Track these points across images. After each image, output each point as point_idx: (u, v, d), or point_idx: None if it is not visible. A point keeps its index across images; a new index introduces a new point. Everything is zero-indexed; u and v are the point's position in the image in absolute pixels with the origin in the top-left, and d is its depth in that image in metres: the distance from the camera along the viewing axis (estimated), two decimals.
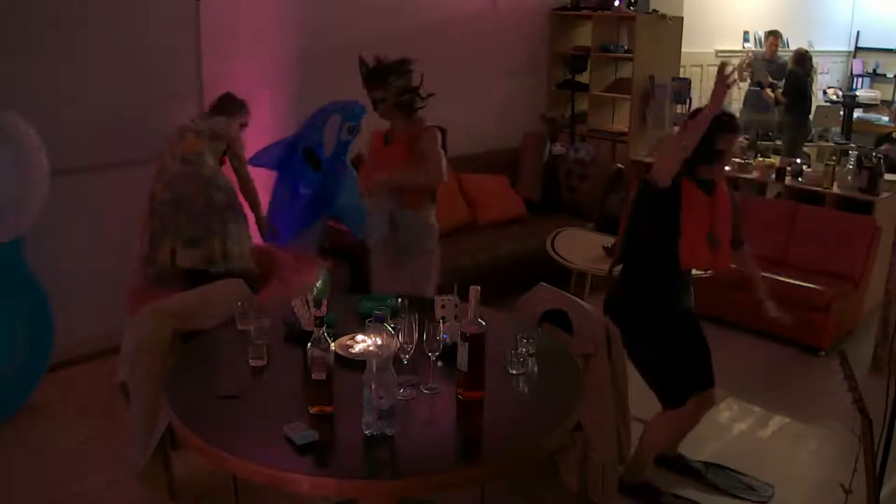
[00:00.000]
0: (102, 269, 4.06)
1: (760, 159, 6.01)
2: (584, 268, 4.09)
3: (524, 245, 5.10)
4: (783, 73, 7.78)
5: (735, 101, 8.60)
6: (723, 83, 2.70)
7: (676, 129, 3.11)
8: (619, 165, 5.90)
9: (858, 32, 11.06)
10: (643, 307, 3.01)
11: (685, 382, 3.04)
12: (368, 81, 3.44)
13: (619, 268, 3.13)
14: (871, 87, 10.93)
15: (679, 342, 3.02)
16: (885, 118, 9.46)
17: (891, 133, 7.92)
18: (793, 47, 8.44)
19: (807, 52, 7.78)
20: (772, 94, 7.70)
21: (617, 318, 2.83)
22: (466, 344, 2.16)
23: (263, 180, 4.61)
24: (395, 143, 3.45)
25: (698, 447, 3.46)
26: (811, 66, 7.72)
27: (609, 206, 5.64)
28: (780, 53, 8.15)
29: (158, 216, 3.59)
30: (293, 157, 4.50)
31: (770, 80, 7.80)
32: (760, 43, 8.25)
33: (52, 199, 3.52)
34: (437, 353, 2.32)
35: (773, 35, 8.12)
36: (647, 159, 6.00)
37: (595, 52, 6.39)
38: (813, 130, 7.84)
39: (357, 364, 2.27)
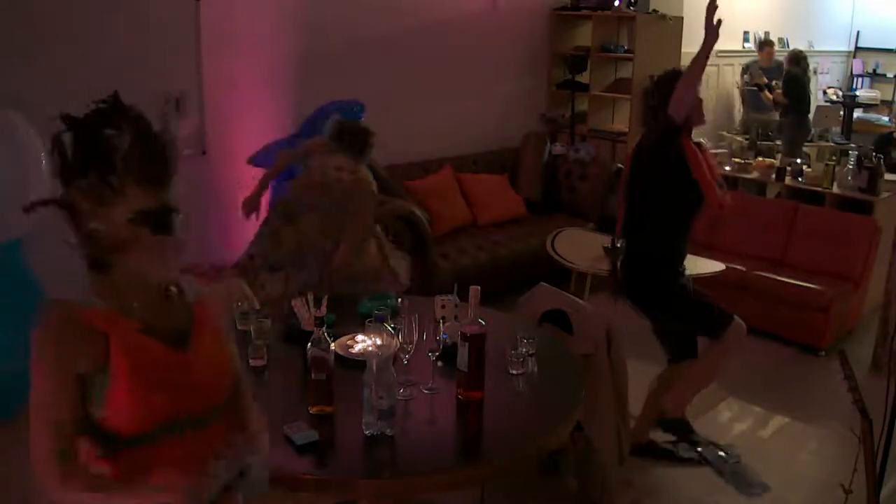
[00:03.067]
0: None
1: (760, 159, 6.01)
2: (584, 268, 4.09)
3: (524, 245, 5.10)
4: (780, 74, 7.79)
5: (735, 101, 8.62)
6: (713, 24, 2.84)
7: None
8: (619, 165, 5.90)
9: (858, 32, 11.06)
10: (665, 269, 3.16)
11: (719, 310, 3.21)
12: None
13: (621, 244, 3.22)
14: (871, 87, 10.91)
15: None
16: (885, 118, 9.45)
17: (891, 133, 7.91)
18: (793, 47, 8.43)
19: (801, 51, 7.78)
20: (770, 95, 7.70)
21: (643, 288, 3.07)
22: (466, 344, 2.16)
23: None
24: None
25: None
26: (807, 64, 7.72)
27: (609, 206, 5.64)
28: (776, 58, 8.15)
29: None
30: None
31: (765, 80, 7.79)
32: (760, 44, 8.24)
33: None
34: (437, 353, 2.32)
35: (769, 45, 8.12)
36: None
37: (595, 52, 6.39)
38: (813, 130, 7.84)
39: (357, 364, 2.27)
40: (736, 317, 3.20)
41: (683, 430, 3.38)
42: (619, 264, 3.19)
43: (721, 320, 3.16)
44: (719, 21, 2.83)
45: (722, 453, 3.38)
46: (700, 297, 3.21)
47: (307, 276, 3.35)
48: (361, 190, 3.41)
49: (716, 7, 2.84)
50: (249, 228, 4.01)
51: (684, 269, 3.24)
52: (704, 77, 8.53)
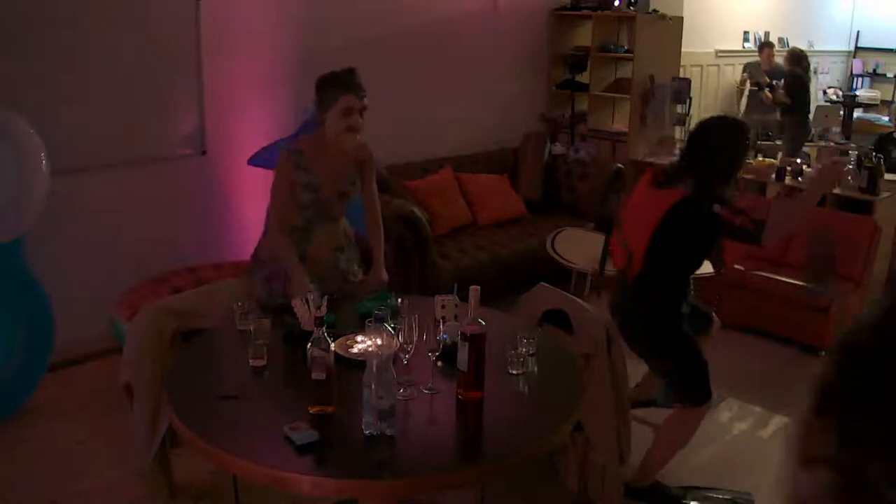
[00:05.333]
0: (102, 269, 4.06)
1: (760, 159, 6.01)
2: (584, 268, 4.09)
3: (524, 245, 5.10)
4: (781, 74, 7.79)
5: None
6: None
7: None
8: (619, 165, 5.90)
9: (858, 32, 11.06)
10: (666, 318, 2.95)
11: (705, 379, 3.00)
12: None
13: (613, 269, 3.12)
14: (871, 87, 10.92)
15: (692, 345, 3.01)
16: (885, 118, 9.45)
17: (891, 133, 7.91)
18: (793, 46, 8.43)
19: (802, 51, 7.78)
20: (769, 95, 7.70)
21: (636, 329, 2.89)
22: (466, 344, 2.16)
23: (263, 180, 4.62)
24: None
25: (699, 447, 3.46)
26: (808, 64, 7.73)
27: (609, 206, 5.64)
28: (776, 60, 8.15)
29: None
30: None
31: (767, 80, 7.79)
32: (761, 46, 8.24)
33: (52, 199, 3.52)
34: (437, 353, 2.32)
35: (768, 46, 8.12)
36: (649, 159, 6.01)
37: (595, 52, 6.38)
38: (813, 130, 7.84)
39: (357, 364, 2.27)
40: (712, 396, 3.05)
41: (658, 496, 3.14)
42: (625, 307, 3.04)
43: (706, 390, 3.00)
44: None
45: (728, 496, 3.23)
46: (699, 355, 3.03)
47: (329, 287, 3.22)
48: (370, 154, 3.18)
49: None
50: (249, 229, 4.00)
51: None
52: (705, 77, 8.45)
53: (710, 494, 3.20)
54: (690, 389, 2.99)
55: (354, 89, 2.94)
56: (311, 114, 3.39)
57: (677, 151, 5.15)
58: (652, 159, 5.91)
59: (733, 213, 2.73)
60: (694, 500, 3.17)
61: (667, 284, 2.94)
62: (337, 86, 2.91)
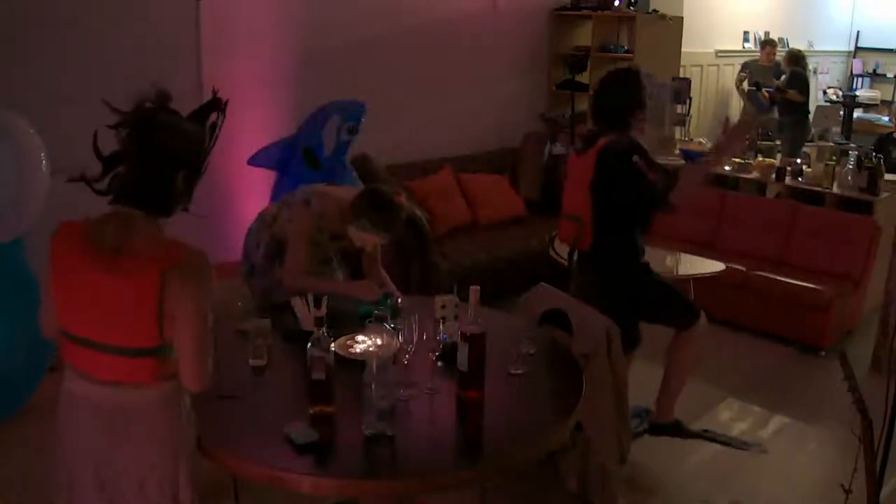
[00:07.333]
0: None
1: (760, 159, 6.01)
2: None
3: (524, 245, 5.10)
4: (780, 73, 7.79)
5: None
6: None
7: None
8: None
9: (858, 32, 11.06)
10: (635, 268, 3.20)
11: (686, 303, 3.35)
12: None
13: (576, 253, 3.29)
14: (871, 87, 10.92)
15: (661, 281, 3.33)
16: (885, 118, 9.46)
17: (891, 133, 7.91)
18: (792, 47, 8.43)
19: (800, 51, 7.79)
20: (766, 95, 7.70)
21: (614, 291, 3.08)
22: (466, 344, 2.16)
23: (263, 180, 4.62)
24: None
25: (699, 447, 3.47)
26: (806, 64, 7.74)
27: None
28: (776, 59, 8.15)
29: None
30: (293, 157, 4.50)
31: (774, 81, 7.79)
32: (762, 44, 8.24)
33: (52, 199, 3.52)
34: (437, 353, 2.32)
35: (770, 44, 8.12)
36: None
37: (595, 52, 6.39)
38: (813, 130, 7.84)
39: (357, 364, 2.27)
40: (701, 311, 3.31)
41: (677, 432, 3.41)
42: (584, 265, 3.25)
43: (692, 311, 3.27)
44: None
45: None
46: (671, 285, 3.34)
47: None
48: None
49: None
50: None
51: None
52: (705, 77, 8.45)
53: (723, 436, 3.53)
54: (682, 314, 3.25)
55: (394, 235, 2.99)
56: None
57: (678, 152, 5.19)
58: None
59: (649, 167, 3.02)
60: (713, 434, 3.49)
61: (623, 239, 3.17)
62: (380, 224, 2.89)
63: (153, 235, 1.76)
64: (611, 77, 3.28)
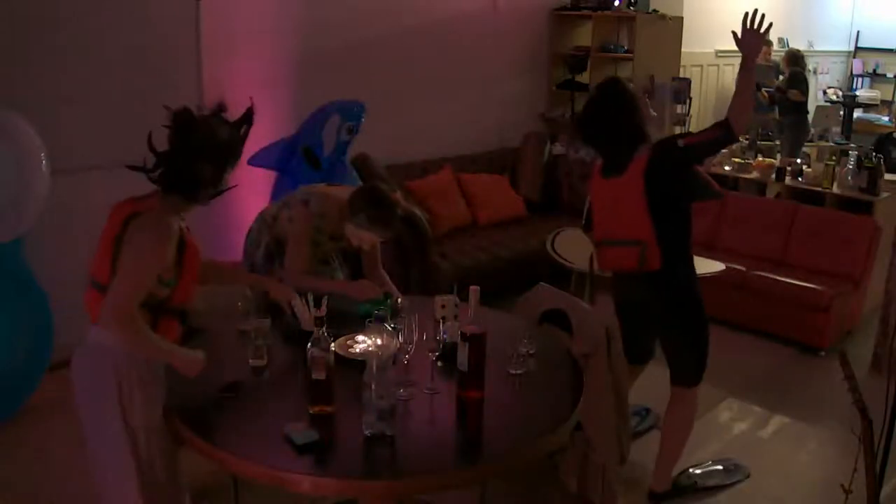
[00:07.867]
0: None
1: (760, 159, 6.01)
2: (584, 268, 4.08)
3: (524, 245, 5.10)
4: (776, 74, 7.80)
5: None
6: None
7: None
8: None
9: (858, 32, 11.06)
10: (690, 289, 3.02)
11: (705, 361, 3.09)
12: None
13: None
14: (871, 87, 10.92)
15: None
16: (885, 118, 9.46)
17: (891, 133, 7.91)
18: (791, 47, 8.43)
19: (799, 51, 7.79)
20: (765, 94, 7.70)
21: (668, 311, 2.97)
22: (466, 344, 2.16)
23: (263, 180, 4.62)
24: None
25: (699, 447, 3.46)
26: (805, 64, 7.74)
27: None
28: (772, 57, 8.15)
29: None
30: (293, 157, 4.50)
31: (775, 81, 7.79)
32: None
33: (52, 199, 3.52)
34: (437, 353, 2.32)
35: (766, 44, 8.12)
36: None
37: (595, 52, 6.39)
38: (813, 130, 7.84)
39: (357, 364, 2.26)
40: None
41: (679, 494, 3.23)
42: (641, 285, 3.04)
43: (701, 371, 3.08)
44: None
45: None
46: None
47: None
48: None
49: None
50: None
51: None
52: (705, 77, 8.46)
53: (711, 469, 3.35)
54: (696, 369, 3.07)
55: (391, 232, 2.97)
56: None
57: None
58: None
59: (693, 137, 2.92)
60: (704, 480, 3.29)
61: (688, 256, 3.03)
62: (379, 220, 2.88)
63: (158, 203, 2.16)
64: (601, 105, 3.10)
